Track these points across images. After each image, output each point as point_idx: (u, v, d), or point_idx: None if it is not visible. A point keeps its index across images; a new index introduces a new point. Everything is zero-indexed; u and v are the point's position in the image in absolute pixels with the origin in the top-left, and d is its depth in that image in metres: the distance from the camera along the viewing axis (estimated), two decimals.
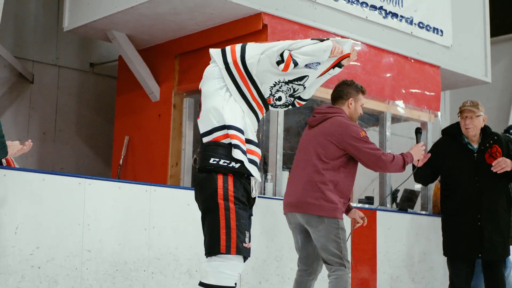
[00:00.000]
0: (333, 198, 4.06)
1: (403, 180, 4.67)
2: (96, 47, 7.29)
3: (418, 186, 6.44)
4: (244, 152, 3.11)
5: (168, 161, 6.14)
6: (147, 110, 6.40)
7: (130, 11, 5.54)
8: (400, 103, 6.45)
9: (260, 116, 3.28)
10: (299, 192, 4.11)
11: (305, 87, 3.37)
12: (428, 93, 6.70)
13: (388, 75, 6.38)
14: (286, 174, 5.44)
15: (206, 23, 5.77)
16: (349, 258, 4.36)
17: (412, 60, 6.58)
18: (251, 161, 3.16)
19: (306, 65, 3.25)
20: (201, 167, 3.19)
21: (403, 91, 6.48)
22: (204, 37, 5.92)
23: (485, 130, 4.96)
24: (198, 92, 3.27)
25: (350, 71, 6.04)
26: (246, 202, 3.17)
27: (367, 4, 6.13)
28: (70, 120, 7.10)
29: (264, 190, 5.37)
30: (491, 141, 4.91)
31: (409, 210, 6.21)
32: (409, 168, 4.39)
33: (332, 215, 4.04)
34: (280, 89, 3.28)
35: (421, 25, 6.60)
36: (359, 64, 6.12)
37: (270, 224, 4.92)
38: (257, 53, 3.17)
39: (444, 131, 5.16)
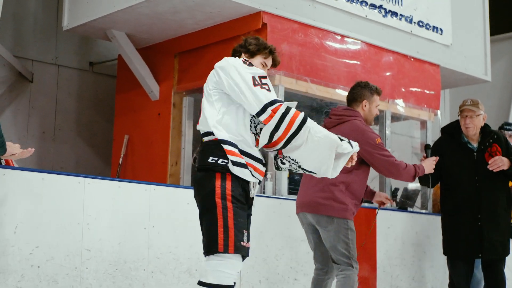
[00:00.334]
0: (343, 199, 4.10)
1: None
2: (96, 46, 7.29)
3: (417, 185, 6.44)
4: (244, 166, 3.12)
5: (167, 160, 6.13)
6: (147, 109, 6.40)
7: (130, 10, 5.53)
8: (400, 101, 6.45)
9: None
10: (310, 192, 4.16)
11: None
12: (428, 92, 6.70)
13: (388, 73, 6.38)
14: (285, 173, 5.44)
15: (205, 22, 5.76)
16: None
17: (412, 59, 6.58)
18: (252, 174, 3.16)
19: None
20: (200, 165, 3.19)
21: (403, 90, 6.48)
22: (204, 36, 5.92)
23: (485, 129, 4.95)
24: (198, 91, 3.28)
25: (350, 70, 6.05)
26: (244, 201, 3.16)
27: (366, 3, 6.12)
28: (69, 119, 7.10)
29: (264, 189, 5.37)
30: (491, 140, 4.91)
31: (409, 209, 6.20)
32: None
33: (341, 215, 4.07)
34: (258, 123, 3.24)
35: (420, 23, 6.60)
36: (359, 63, 6.12)
37: (270, 223, 4.92)
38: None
39: (443, 130, 5.15)
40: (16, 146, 3.64)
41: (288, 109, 3.12)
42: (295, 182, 5.75)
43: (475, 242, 4.78)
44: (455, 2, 6.96)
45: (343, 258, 4.07)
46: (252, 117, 3.18)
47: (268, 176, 5.41)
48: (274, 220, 4.96)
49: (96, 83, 7.28)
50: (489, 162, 4.79)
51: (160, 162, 6.19)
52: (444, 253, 5.03)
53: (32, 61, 6.89)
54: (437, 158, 4.58)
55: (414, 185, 6.28)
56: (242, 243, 3.07)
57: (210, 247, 3.06)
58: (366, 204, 5.91)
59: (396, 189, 6.36)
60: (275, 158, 3.26)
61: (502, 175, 4.85)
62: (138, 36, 6.15)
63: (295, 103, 3.25)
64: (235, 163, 3.11)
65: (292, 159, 3.20)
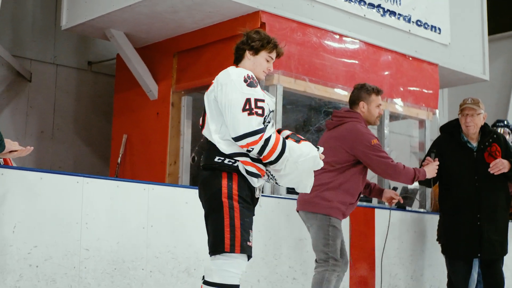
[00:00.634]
0: (330, 197, 4.15)
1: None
2: (94, 46, 7.28)
3: (416, 184, 6.44)
4: (257, 176, 3.18)
5: (166, 159, 6.13)
6: (145, 108, 6.39)
7: (128, 9, 5.53)
8: (398, 101, 6.45)
9: None
10: None
11: None
12: (426, 91, 6.71)
13: (386, 73, 6.38)
14: None
15: (204, 21, 5.76)
16: (348, 256, 4.38)
17: (410, 58, 6.58)
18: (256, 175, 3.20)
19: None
20: (206, 164, 3.18)
21: (401, 89, 6.48)
22: (203, 35, 5.91)
23: (484, 129, 4.95)
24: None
25: (348, 69, 6.05)
26: (250, 202, 3.17)
27: (365, 2, 6.13)
28: (68, 119, 7.09)
29: (263, 188, 5.36)
30: (491, 140, 4.90)
31: (407, 207, 6.20)
32: (409, 165, 4.42)
33: (324, 212, 4.15)
34: None
35: (419, 23, 6.60)
36: (357, 62, 6.12)
37: (268, 222, 4.92)
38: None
39: (442, 129, 5.15)
40: (15, 143, 3.63)
41: (267, 142, 3.08)
42: None
43: (474, 241, 4.78)
44: (453, 2, 6.97)
45: (321, 255, 4.14)
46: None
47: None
48: (273, 219, 4.96)
49: (94, 83, 7.28)
50: (490, 165, 4.79)
51: (159, 161, 6.19)
52: (443, 252, 5.03)
53: (31, 60, 6.89)
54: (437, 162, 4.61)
55: (413, 184, 6.28)
56: (248, 243, 3.08)
57: (216, 247, 3.06)
58: (364, 203, 5.92)
59: (395, 188, 6.36)
60: None
61: (502, 175, 4.85)
62: (136, 35, 6.15)
63: (321, 149, 3.29)
64: (249, 173, 3.16)
65: (271, 175, 3.26)
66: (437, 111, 6.86)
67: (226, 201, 3.08)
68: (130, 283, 4.29)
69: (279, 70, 5.47)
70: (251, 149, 3.08)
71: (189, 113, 6.20)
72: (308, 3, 5.74)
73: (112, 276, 4.23)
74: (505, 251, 4.90)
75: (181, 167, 6.14)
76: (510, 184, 5.06)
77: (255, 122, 3.05)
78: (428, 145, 6.19)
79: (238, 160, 3.13)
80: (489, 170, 4.78)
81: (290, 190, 5.71)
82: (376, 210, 5.62)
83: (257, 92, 3.13)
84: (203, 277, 3.31)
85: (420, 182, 5.09)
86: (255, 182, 3.20)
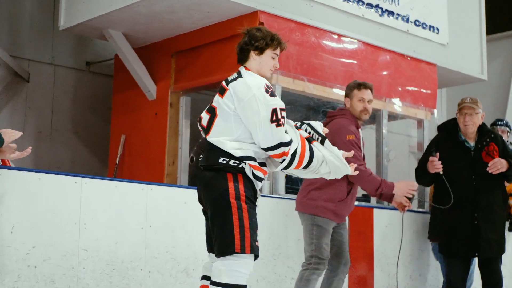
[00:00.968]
0: (315, 196, 4.22)
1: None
2: (92, 46, 7.28)
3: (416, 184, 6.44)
4: (262, 180, 3.25)
5: (164, 159, 6.13)
6: (144, 108, 6.39)
7: (127, 9, 5.52)
8: (396, 100, 6.45)
9: None
10: (299, 192, 4.41)
11: None
12: (424, 91, 6.71)
13: (384, 73, 6.38)
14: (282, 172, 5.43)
15: (202, 21, 5.76)
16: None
17: (409, 58, 6.59)
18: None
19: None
20: (209, 165, 3.16)
21: (400, 89, 6.49)
22: (201, 35, 5.91)
23: (482, 128, 4.95)
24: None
25: (347, 69, 6.05)
26: (255, 202, 3.19)
27: (363, 2, 6.13)
28: (66, 119, 7.09)
29: (261, 188, 5.36)
30: (488, 139, 4.91)
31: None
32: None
33: (311, 211, 4.22)
34: None
35: (417, 23, 6.60)
36: (356, 62, 6.12)
37: (267, 222, 4.91)
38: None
39: (440, 128, 5.15)
40: (14, 132, 3.57)
41: (294, 155, 3.17)
42: (293, 181, 5.75)
43: (472, 240, 4.79)
44: (451, 2, 6.97)
45: (305, 254, 4.22)
46: None
47: None
48: (272, 219, 4.96)
49: (92, 83, 7.27)
50: (489, 164, 4.79)
51: (157, 161, 6.19)
52: (440, 250, 5.04)
53: (29, 60, 6.88)
54: (415, 184, 4.46)
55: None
56: (256, 243, 3.08)
57: (226, 248, 3.04)
58: (363, 203, 5.92)
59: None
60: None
61: (499, 175, 4.86)
62: (135, 35, 6.14)
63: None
64: (255, 177, 3.18)
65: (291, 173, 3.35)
66: (435, 111, 6.86)
67: (234, 201, 3.07)
68: (129, 283, 4.29)
69: (278, 70, 5.46)
70: (284, 159, 3.14)
71: (188, 113, 6.20)
72: (307, 3, 5.74)
73: (111, 276, 4.22)
74: (503, 250, 4.90)
75: (179, 167, 6.14)
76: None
77: (282, 133, 3.11)
78: (426, 145, 6.19)
79: (246, 163, 3.13)
80: (487, 169, 4.78)
81: (289, 190, 5.71)
82: (374, 210, 5.62)
83: (279, 101, 3.16)
84: (203, 277, 3.31)
85: (418, 181, 5.08)
86: (258, 185, 3.23)
